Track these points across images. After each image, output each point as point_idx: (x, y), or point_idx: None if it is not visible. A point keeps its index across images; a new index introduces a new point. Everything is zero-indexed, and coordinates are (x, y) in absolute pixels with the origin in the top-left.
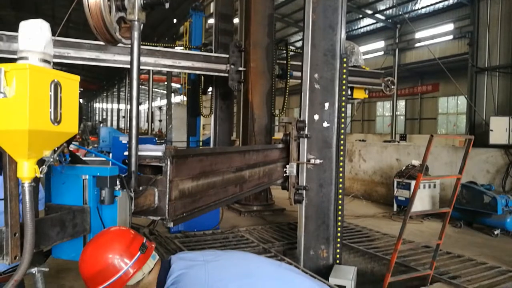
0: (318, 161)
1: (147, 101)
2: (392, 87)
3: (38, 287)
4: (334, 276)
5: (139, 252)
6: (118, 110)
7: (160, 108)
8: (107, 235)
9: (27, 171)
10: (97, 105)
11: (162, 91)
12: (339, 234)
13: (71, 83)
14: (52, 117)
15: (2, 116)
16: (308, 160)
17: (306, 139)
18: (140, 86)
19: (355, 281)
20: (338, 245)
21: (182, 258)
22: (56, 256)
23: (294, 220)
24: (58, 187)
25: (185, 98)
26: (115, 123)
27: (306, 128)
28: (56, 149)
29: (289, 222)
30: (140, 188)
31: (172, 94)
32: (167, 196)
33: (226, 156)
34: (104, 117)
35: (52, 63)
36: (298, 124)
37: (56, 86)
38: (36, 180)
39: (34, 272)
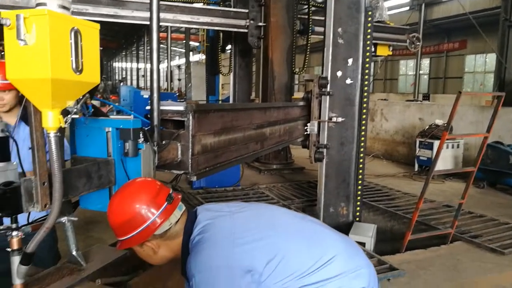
0: (340, 119)
1: (166, 60)
2: (417, 43)
3: (69, 236)
4: (353, 233)
5: (166, 203)
6: (138, 69)
7: (179, 67)
8: (134, 185)
9: (51, 121)
10: (116, 64)
11: (180, 49)
12: (359, 192)
13: (91, 31)
14: (74, 66)
15: (24, 64)
16: (330, 118)
17: (328, 97)
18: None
19: (374, 239)
20: (358, 203)
21: (208, 209)
22: (84, 206)
23: (314, 179)
24: (82, 140)
25: (203, 57)
26: (134, 82)
27: (329, 85)
28: (79, 99)
29: (308, 181)
30: (163, 142)
31: (191, 53)
32: (190, 150)
33: (247, 112)
34: (124, 76)
35: (71, 10)
36: (320, 81)
37: (76, 33)
38: (61, 130)
39: (64, 221)
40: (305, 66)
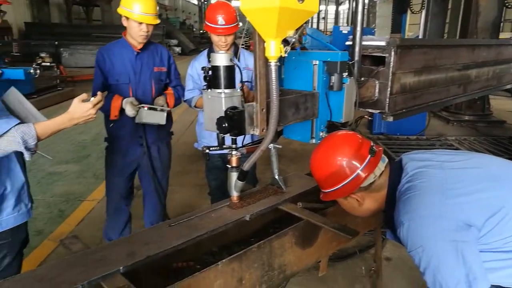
0: None
1: (348, 1)
2: None
3: (273, 161)
4: None
5: (369, 156)
6: (319, 11)
7: None
8: (336, 138)
9: (274, 50)
10: None
11: None
12: None
13: None
14: None
15: None
16: None
17: None
18: None
19: None
20: None
21: (413, 158)
22: (286, 136)
23: None
24: (289, 73)
25: None
26: (314, 25)
27: None
28: (297, 29)
29: (510, 136)
30: (362, 79)
31: None
32: (389, 89)
33: (452, 50)
34: None
35: None
36: None
37: None
38: (281, 60)
39: (270, 147)
40: None
